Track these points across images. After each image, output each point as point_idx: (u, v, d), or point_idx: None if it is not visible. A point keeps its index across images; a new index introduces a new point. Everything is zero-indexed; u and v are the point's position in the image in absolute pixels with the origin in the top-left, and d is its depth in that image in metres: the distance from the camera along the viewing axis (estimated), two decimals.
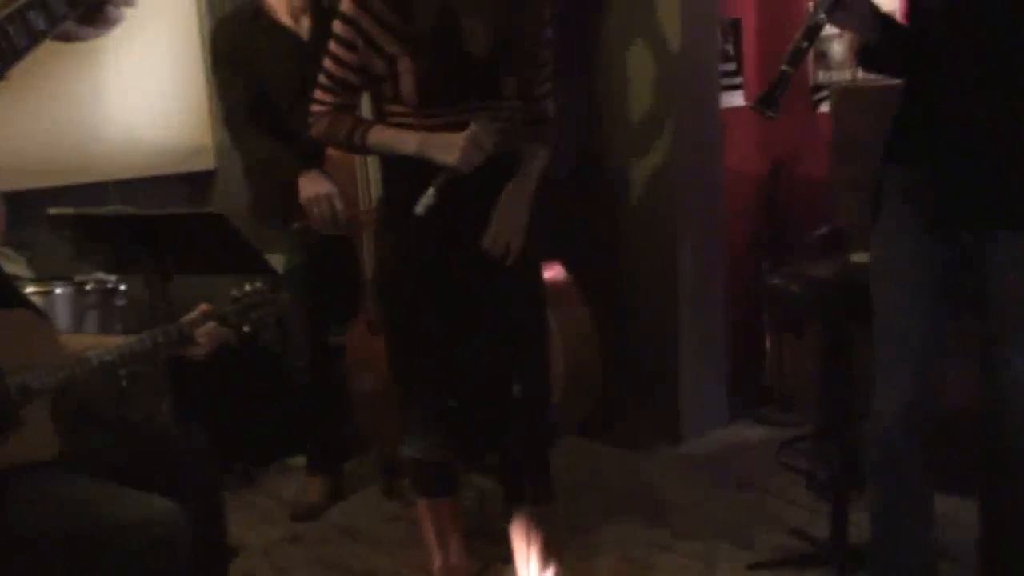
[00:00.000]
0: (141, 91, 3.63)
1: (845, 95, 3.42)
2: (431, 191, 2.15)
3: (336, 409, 3.31)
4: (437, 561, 2.48)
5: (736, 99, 3.98)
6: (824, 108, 3.87)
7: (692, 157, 3.59)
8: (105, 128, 3.56)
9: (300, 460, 3.49)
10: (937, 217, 2.28)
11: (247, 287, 2.26)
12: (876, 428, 2.40)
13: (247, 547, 3.05)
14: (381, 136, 2.26)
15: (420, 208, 2.16)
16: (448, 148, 2.15)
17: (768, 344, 3.98)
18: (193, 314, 2.22)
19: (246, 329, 2.27)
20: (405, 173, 2.26)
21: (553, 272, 3.13)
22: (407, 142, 2.21)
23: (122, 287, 3.06)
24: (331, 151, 2.93)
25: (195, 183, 3.81)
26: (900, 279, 2.34)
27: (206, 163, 3.80)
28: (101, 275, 3.02)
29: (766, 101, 2.16)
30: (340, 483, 3.37)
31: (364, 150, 2.31)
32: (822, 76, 3.93)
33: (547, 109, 2.38)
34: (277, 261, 2.99)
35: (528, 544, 2.39)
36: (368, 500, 3.34)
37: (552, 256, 3.16)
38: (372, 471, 3.42)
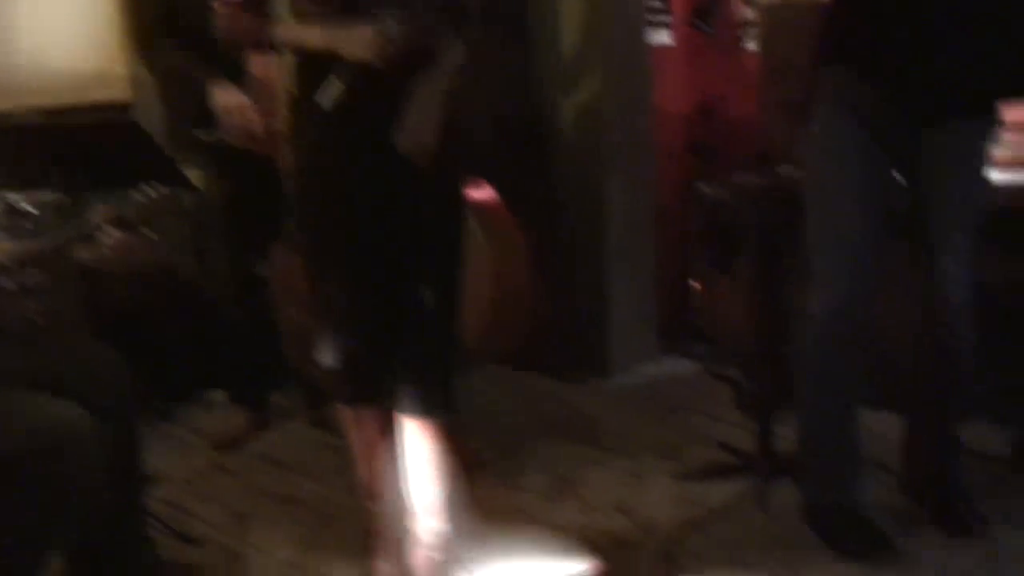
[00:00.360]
0: (48, 15, 3.49)
1: (773, 15, 3.42)
2: (335, 81, 2.09)
3: (260, 339, 3.24)
4: (363, 471, 2.42)
5: (663, 37, 3.97)
6: (751, 45, 3.88)
7: (622, 95, 3.57)
8: (9, 53, 3.42)
9: (222, 395, 3.42)
10: (874, 114, 2.29)
11: (151, 192, 2.18)
12: (810, 330, 2.41)
13: (169, 477, 2.97)
14: (287, 32, 2.19)
15: (325, 100, 2.10)
16: (357, 41, 2.09)
17: (697, 284, 3.99)
18: (93, 216, 2.13)
19: (150, 235, 2.19)
20: (315, 70, 2.18)
21: (485, 193, 3.10)
22: (314, 36, 2.15)
23: (31, 209, 2.94)
24: (252, 68, 2.85)
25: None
26: (837, 179, 2.34)
27: (120, 93, 3.67)
28: (7, 194, 2.90)
29: (702, 15, 2.14)
30: (265, 414, 3.30)
31: (271, 48, 2.24)
32: (749, 13, 3.93)
33: None
34: (196, 179, 2.92)
35: (415, 456, 2.29)
36: (295, 431, 3.29)
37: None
38: (298, 403, 3.36)
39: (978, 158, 2.32)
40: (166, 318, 3.42)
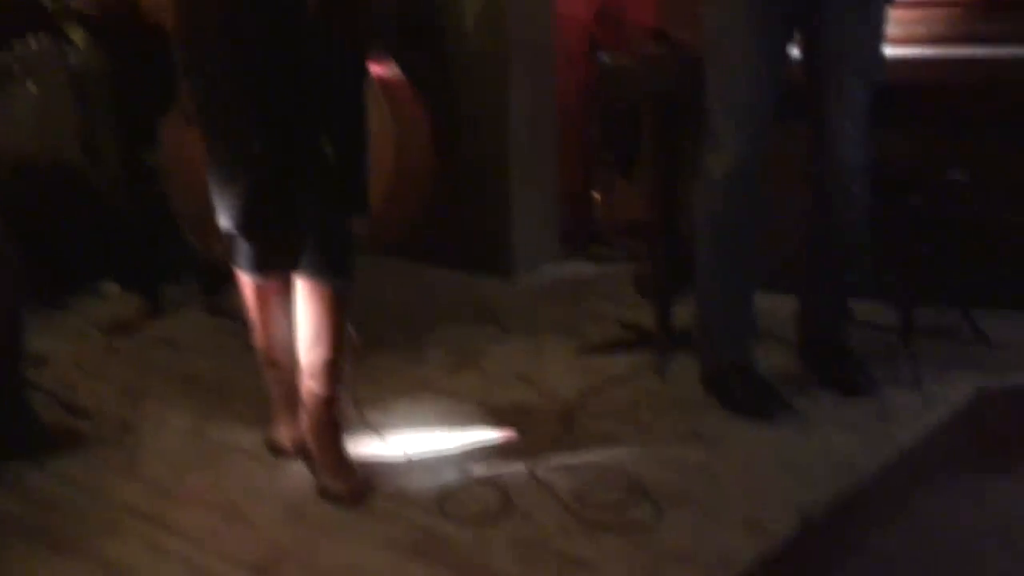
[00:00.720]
0: None
1: None
2: None
3: (151, 227, 3.14)
4: (260, 337, 2.36)
5: None
6: None
7: None
8: None
9: (114, 284, 3.32)
10: None
11: (33, 42, 2.08)
12: (708, 191, 2.44)
13: (58, 360, 2.87)
14: None
15: None
16: None
17: (598, 194, 4.01)
18: None
19: (32, 88, 2.10)
20: None
21: (388, 69, 3.04)
22: None
23: None
24: None
25: None
26: (734, 42, 2.36)
27: None
28: None
29: None
30: (158, 302, 3.21)
31: None
32: None
33: None
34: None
35: (308, 320, 2.25)
36: (190, 317, 3.21)
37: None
38: (194, 291, 3.27)
39: (875, 15, 2.36)
40: (55, 206, 3.28)
